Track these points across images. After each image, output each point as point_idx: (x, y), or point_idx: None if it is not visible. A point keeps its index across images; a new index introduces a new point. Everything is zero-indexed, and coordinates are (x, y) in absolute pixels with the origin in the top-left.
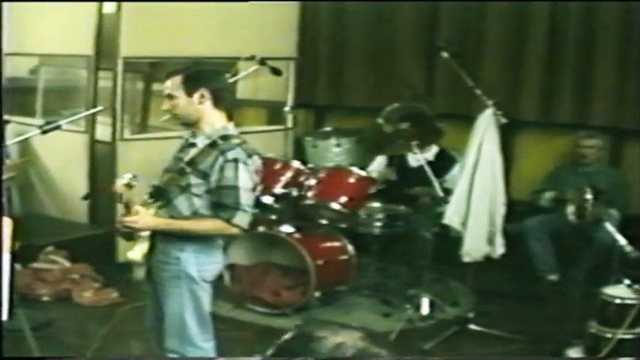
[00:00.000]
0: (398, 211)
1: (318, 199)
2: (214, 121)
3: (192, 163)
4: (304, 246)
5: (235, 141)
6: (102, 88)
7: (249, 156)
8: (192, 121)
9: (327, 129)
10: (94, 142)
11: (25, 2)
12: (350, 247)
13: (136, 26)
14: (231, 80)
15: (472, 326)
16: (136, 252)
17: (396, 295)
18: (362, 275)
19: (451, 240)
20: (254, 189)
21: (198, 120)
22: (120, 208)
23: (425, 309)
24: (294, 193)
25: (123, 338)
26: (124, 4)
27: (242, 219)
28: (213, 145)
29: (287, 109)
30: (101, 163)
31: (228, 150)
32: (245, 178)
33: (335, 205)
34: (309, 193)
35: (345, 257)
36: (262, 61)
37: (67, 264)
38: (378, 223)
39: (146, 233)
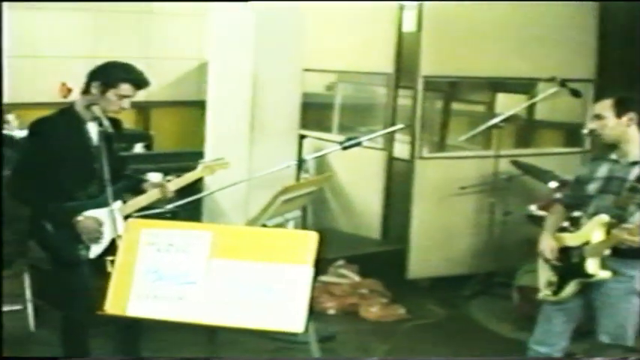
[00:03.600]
0: None
1: None
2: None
3: None
4: None
5: None
6: (400, 106)
7: None
8: (615, 140)
9: None
10: (391, 160)
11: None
12: None
13: (435, 45)
14: (531, 102)
15: None
16: (594, 267)
17: None
18: None
19: None
20: None
21: (622, 140)
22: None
23: None
24: None
25: (403, 355)
26: (425, 24)
27: None
28: None
29: (585, 131)
30: (397, 181)
31: None
32: None
33: None
34: None
35: None
36: (563, 83)
37: (356, 278)
38: None
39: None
